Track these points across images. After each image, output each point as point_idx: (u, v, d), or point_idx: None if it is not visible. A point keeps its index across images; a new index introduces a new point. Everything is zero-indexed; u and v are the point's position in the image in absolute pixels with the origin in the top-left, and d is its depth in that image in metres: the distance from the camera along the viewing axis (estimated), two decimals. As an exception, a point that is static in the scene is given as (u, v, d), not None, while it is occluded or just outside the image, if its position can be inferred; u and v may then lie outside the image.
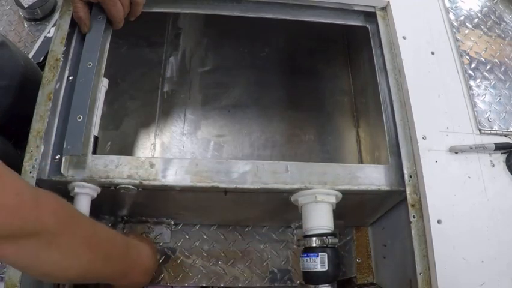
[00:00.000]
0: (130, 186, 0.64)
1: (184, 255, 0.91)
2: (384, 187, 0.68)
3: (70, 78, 0.69)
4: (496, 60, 0.81)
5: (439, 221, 0.64)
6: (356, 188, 0.67)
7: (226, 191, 0.67)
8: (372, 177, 0.68)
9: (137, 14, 0.74)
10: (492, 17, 0.87)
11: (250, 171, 0.66)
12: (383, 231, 0.88)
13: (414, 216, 0.66)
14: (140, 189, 0.65)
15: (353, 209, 0.79)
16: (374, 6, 0.83)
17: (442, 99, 0.74)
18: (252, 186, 0.65)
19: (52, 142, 0.64)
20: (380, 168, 0.70)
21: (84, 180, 0.62)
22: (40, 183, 0.62)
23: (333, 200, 0.67)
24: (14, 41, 1.17)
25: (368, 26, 0.84)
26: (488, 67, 0.79)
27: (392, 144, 0.72)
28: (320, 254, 0.64)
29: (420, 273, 0.63)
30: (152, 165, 0.65)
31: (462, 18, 0.85)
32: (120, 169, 0.64)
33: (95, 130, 0.66)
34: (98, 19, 0.71)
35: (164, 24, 1.14)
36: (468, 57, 0.79)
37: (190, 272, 0.90)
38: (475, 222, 0.65)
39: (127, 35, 1.06)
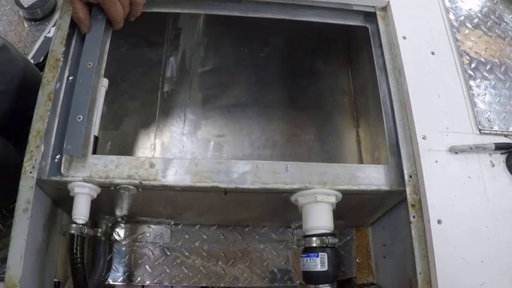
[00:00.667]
0: (130, 186, 0.64)
1: (184, 255, 0.91)
2: (384, 187, 0.68)
3: (70, 78, 0.69)
4: (496, 60, 0.81)
5: (439, 221, 0.64)
6: (356, 188, 0.67)
7: (226, 191, 0.67)
8: (372, 177, 0.68)
9: (137, 14, 0.74)
10: (492, 17, 0.87)
11: (250, 171, 0.66)
12: (383, 231, 0.88)
13: (414, 216, 0.66)
14: (140, 189, 0.65)
15: (353, 209, 0.79)
16: (374, 6, 0.83)
17: (442, 99, 0.74)
18: (252, 186, 0.65)
19: (52, 142, 0.64)
20: (380, 168, 0.70)
21: (84, 180, 0.62)
22: (40, 183, 0.62)
23: (333, 200, 0.67)
24: (14, 41, 1.17)
25: (368, 26, 0.84)
26: (488, 67, 0.79)
27: (392, 144, 0.72)
28: (320, 254, 0.64)
29: (420, 273, 0.63)
30: (152, 165, 0.65)
31: (462, 18, 0.85)
32: (120, 169, 0.64)
33: (95, 130, 0.66)
34: (98, 19, 0.71)
35: (164, 24, 1.14)
36: (468, 57, 0.79)
37: (190, 272, 0.90)
38: (475, 222, 0.65)
39: (127, 35, 1.06)
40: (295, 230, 0.95)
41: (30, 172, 0.61)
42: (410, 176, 0.68)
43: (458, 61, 0.78)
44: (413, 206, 0.67)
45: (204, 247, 0.92)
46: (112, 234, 0.88)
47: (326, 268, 0.63)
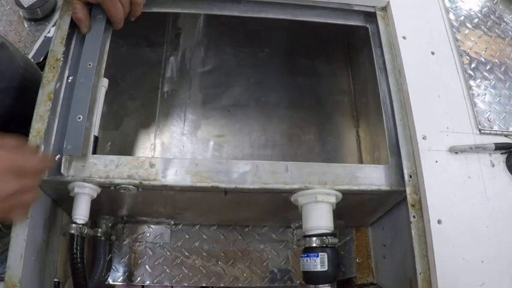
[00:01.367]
0: (130, 186, 0.64)
1: (184, 255, 0.91)
2: (384, 187, 0.68)
3: (70, 78, 0.69)
4: (496, 60, 0.81)
5: (439, 221, 0.64)
6: (356, 188, 0.67)
7: (226, 191, 0.67)
8: (372, 177, 0.68)
9: (137, 14, 0.74)
10: (492, 17, 0.87)
11: (250, 171, 0.66)
12: (383, 231, 0.88)
13: (414, 216, 0.66)
14: (140, 189, 0.65)
15: (353, 209, 0.79)
16: (374, 6, 0.83)
17: (442, 99, 0.74)
18: (252, 186, 0.65)
19: (52, 142, 0.64)
20: (380, 168, 0.70)
21: (84, 180, 0.62)
22: (40, 183, 0.62)
23: (333, 200, 0.67)
24: (14, 41, 1.17)
25: (368, 26, 0.84)
26: (488, 67, 0.79)
27: (392, 144, 0.72)
28: (320, 254, 0.64)
29: (420, 273, 0.63)
30: (152, 165, 0.65)
31: (462, 18, 0.84)
32: (120, 169, 0.64)
33: (95, 130, 0.66)
34: (98, 19, 0.71)
35: (164, 24, 1.14)
36: (468, 57, 0.79)
37: (190, 272, 0.90)
38: (475, 222, 0.65)
39: (127, 35, 1.06)
40: (295, 230, 0.95)
41: (30, 172, 0.61)
42: (410, 176, 0.68)
43: (458, 61, 0.78)
44: (413, 206, 0.67)
45: (204, 247, 0.92)
46: (112, 234, 0.88)
47: (326, 268, 0.63)
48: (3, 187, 0.52)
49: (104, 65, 0.71)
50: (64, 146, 0.62)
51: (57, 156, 0.63)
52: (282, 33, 1.14)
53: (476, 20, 0.85)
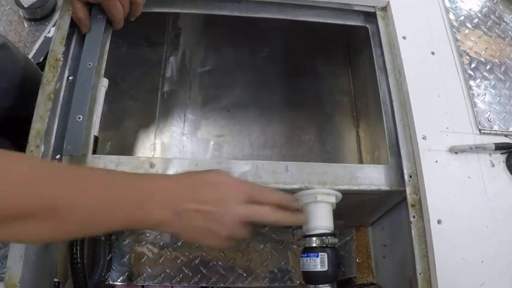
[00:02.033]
0: (130, 186, 0.64)
1: (184, 255, 0.91)
2: (384, 187, 0.68)
3: (70, 78, 0.69)
4: (496, 60, 0.81)
5: (439, 221, 0.64)
6: (356, 188, 0.67)
7: (226, 191, 0.66)
8: (372, 177, 0.68)
9: (137, 14, 0.74)
10: (492, 17, 0.87)
11: (250, 171, 0.66)
12: (383, 231, 0.88)
13: (414, 216, 0.66)
14: (140, 189, 0.65)
15: (353, 209, 0.79)
16: (374, 6, 0.83)
17: (442, 99, 0.74)
18: (252, 186, 0.65)
19: (52, 142, 0.64)
20: (380, 168, 0.70)
21: (84, 180, 0.62)
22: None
23: (333, 200, 0.67)
24: (14, 41, 1.17)
25: (368, 26, 0.84)
26: (488, 67, 0.79)
27: (392, 144, 0.72)
28: (320, 254, 0.64)
29: (420, 273, 0.63)
30: (152, 165, 0.65)
31: (462, 18, 0.85)
32: (120, 169, 0.64)
33: (95, 130, 0.66)
34: (98, 19, 0.71)
35: (164, 24, 1.14)
36: (468, 57, 0.79)
37: (190, 272, 0.90)
38: (475, 222, 0.65)
39: (127, 35, 1.06)
40: (295, 230, 0.95)
41: (30, 172, 0.61)
42: (410, 176, 0.68)
43: (458, 61, 0.78)
44: (413, 206, 0.67)
45: (204, 247, 0.92)
46: (112, 234, 0.88)
47: (326, 268, 0.63)
48: (231, 211, 0.52)
49: (104, 65, 0.71)
50: (64, 146, 0.62)
51: (57, 156, 0.63)
52: (282, 33, 1.14)
53: (476, 20, 0.85)
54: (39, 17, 1.21)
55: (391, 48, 0.79)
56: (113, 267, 0.89)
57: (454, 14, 0.84)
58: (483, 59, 0.80)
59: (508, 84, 0.79)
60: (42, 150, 0.63)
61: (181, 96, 1.08)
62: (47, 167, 0.48)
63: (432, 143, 0.69)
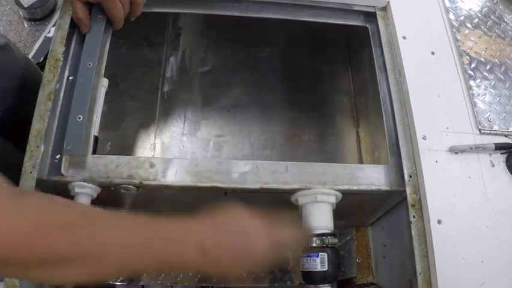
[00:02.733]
0: (130, 186, 0.64)
1: (184, 255, 0.91)
2: (384, 187, 0.68)
3: (70, 78, 0.69)
4: (496, 60, 0.81)
5: (439, 221, 0.64)
6: (356, 188, 0.67)
7: (226, 191, 0.67)
8: (372, 177, 0.68)
9: (137, 14, 0.74)
10: (492, 17, 0.87)
11: (250, 171, 0.66)
12: (383, 231, 0.88)
13: (414, 216, 0.66)
14: (140, 189, 0.65)
15: (353, 209, 0.78)
16: (374, 6, 0.83)
17: (442, 99, 0.74)
18: (252, 186, 0.65)
19: (52, 142, 0.64)
20: (380, 168, 0.70)
21: (84, 180, 0.62)
22: (40, 183, 0.62)
23: (333, 200, 0.67)
24: (14, 41, 1.17)
25: (368, 26, 0.84)
26: (488, 67, 0.79)
27: (392, 144, 0.72)
28: (320, 254, 0.64)
29: (420, 273, 0.63)
30: (152, 165, 0.65)
31: (462, 18, 0.85)
32: (120, 169, 0.64)
33: (95, 130, 0.66)
34: (98, 19, 0.71)
35: (164, 24, 1.14)
36: (468, 57, 0.79)
37: (190, 272, 0.90)
38: (475, 222, 0.65)
39: (127, 35, 1.06)
40: (295, 230, 0.94)
41: (31, 172, 0.61)
42: (410, 176, 0.68)
43: (458, 61, 0.78)
44: (413, 206, 0.67)
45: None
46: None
47: (326, 268, 0.63)
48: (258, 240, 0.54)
49: (104, 65, 0.71)
50: (64, 146, 0.62)
51: (57, 156, 0.63)
52: (282, 33, 1.14)
53: (476, 20, 0.85)
54: (39, 17, 1.21)
55: (391, 48, 0.79)
56: (113, 267, 0.89)
57: (454, 14, 0.84)
58: (483, 59, 0.80)
59: (508, 84, 0.79)
60: (42, 150, 0.63)
61: (181, 96, 1.08)
62: (94, 213, 0.49)
63: (432, 143, 0.69)
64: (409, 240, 0.66)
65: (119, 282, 0.88)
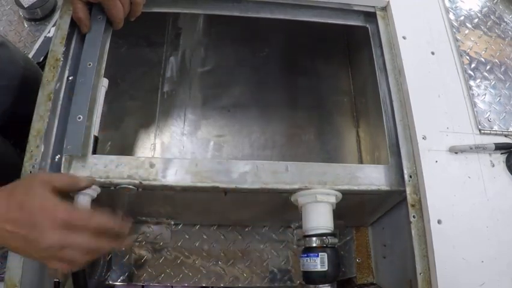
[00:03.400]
0: (130, 186, 0.64)
1: (184, 255, 0.91)
2: (384, 187, 0.68)
3: (70, 78, 0.69)
4: (496, 60, 0.81)
5: (439, 221, 0.64)
6: (356, 188, 0.67)
7: (226, 191, 0.67)
8: (372, 177, 0.68)
9: (137, 14, 0.74)
10: (492, 17, 0.87)
11: (250, 171, 0.66)
12: (383, 231, 0.88)
13: (414, 216, 0.66)
14: (140, 189, 0.65)
15: (353, 209, 0.79)
16: (374, 6, 0.83)
17: (442, 99, 0.74)
18: (252, 186, 0.65)
19: (52, 142, 0.64)
20: (380, 168, 0.70)
21: (84, 180, 0.62)
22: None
23: (333, 200, 0.67)
24: (14, 41, 1.17)
25: (368, 26, 0.84)
26: (488, 67, 0.79)
27: (392, 144, 0.72)
28: (320, 254, 0.64)
29: (420, 273, 0.63)
30: (152, 165, 0.65)
31: (462, 18, 0.85)
32: (120, 169, 0.64)
33: (95, 130, 0.66)
34: (98, 19, 0.71)
35: (164, 24, 1.14)
36: (468, 57, 0.79)
37: (190, 272, 0.90)
38: (475, 222, 0.65)
39: (127, 35, 1.06)
40: (295, 230, 0.95)
41: (31, 172, 0.61)
42: (410, 176, 0.68)
43: (458, 61, 0.78)
44: (413, 206, 0.67)
45: (204, 247, 0.92)
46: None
47: (326, 268, 0.63)
48: (43, 236, 0.50)
49: (104, 65, 0.71)
50: (64, 146, 0.62)
51: (57, 156, 0.63)
52: (282, 33, 1.14)
53: (476, 20, 0.85)
54: (39, 17, 1.21)
55: (391, 48, 0.79)
56: (113, 267, 0.89)
57: (454, 14, 0.84)
58: (483, 59, 0.80)
59: (508, 84, 0.79)
60: (42, 150, 0.63)
61: (181, 96, 1.08)
62: None
63: (432, 143, 0.69)
64: (409, 240, 0.66)
65: (119, 282, 0.88)
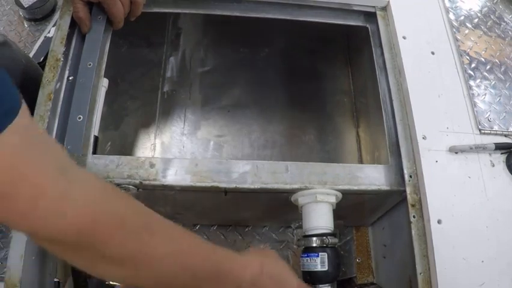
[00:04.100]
0: (130, 186, 0.64)
1: (184, 255, 0.91)
2: (384, 187, 0.68)
3: (70, 78, 0.69)
4: (496, 60, 0.81)
5: (439, 221, 0.64)
6: (356, 188, 0.67)
7: (226, 191, 0.67)
8: (372, 177, 0.68)
9: (137, 13, 0.74)
10: (492, 17, 0.87)
11: (250, 171, 0.66)
12: (383, 231, 0.88)
13: (414, 216, 0.66)
14: (140, 189, 0.65)
15: (353, 209, 0.79)
16: (374, 6, 0.83)
17: (442, 99, 0.74)
18: (252, 186, 0.65)
19: (52, 142, 0.64)
20: (380, 168, 0.70)
21: (84, 180, 0.62)
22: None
23: (333, 200, 0.67)
24: (14, 41, 1.17)
25: (368, 26, 0.84)
26: (488, 67, 0.79)
27: (392, 144, 0.72)
28: (320, 254, 0.64)
29: (420, 273, 0.63)
30: (152, 165, 0.65)
31: (462, 18, 0.85)
32: (120, 169, 0.64)
33: (95, 130, 0.66)
34: (98, 19, 0.71)
35: (164, 24, 1.14)
36: (468, 57, 0.79)
37: None
38: (475, 222, 0.65)
39: (127, 35, 1.06)
40: (295, 230, 0.94)
41: (30, 172, 0.61)
42: (410, 176, 0.68)
43: (458, 61, 0.78)
44: (413, 206, 0.67)
45: None
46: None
47: (326, 268, 0.63)
48: None
49: (104, 65, 0.71)
50: (64, 146, 0.62)
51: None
52: (282, 33, 1.14)
53: (476, 20, 0.85)
54: (39, 17, 1.21)
55: (391, 48, 0.79)
56: (113, 267, 0.89)
57: (454, 14, 0.84)
58: (483, 59, 0.80)
59: (508, 84, 0.79)
60: (42, 150, 0.63)
61: (181, 96, 1.08)
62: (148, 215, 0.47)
63: (432, 143, 0.69)
64: (409, 240, 0.66)
65: (119, 282, 0.88)
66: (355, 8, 0.84)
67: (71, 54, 0.71)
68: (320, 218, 0.66)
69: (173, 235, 0.47)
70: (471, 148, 0.69)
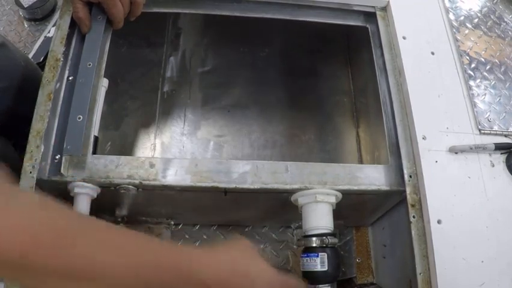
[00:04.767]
0: (130, 187, 0.64)
1: (184, 255, 0.91)
2: (384, 187, 0.68)
3: (70, 78, 0.69)
4: (496, 60, 0.81)
5: (439, 221, 0.64)
6: (356, 188, 0.67)
7: (226, 191, 0.67)
8: (372, 177, 0.68)
9: (137, 13, 0.74)
10: (492, 17, 0.87)
11: (250, 171, 0.66)
12: (383, 231, 0.88)
13: (414, 216, 0.66)
14: (140, 190, 0.65)
15: (353, 209, 0.79)
16: (374, 6, 0.83)
17: (442, 99, 0.74)
18: (252, 186, 0.65)
19: (52, 142, 0.64)
20: (380, 168, 0.70)
21: (84, 180, 0.62)
22: (40, 183, 0.62)
23: (333, 200, 0.67)
24: (14, 41, 1.17)
25: (368, 26, 0.84)
26: (488, 67, 0.79)
27: (392, 144, 0.72)
28: (320, 254, 0.64)
29: (420, 273, 0.63)
30: (152, 165, 0.65)
31: (462, 18, 0.85)
32: (120, 169, 0.64)
33: (95, 130, 0.66)
34: (98, 19, 0.71)
35: (164, 24, 1.13)
36: (468, 57, 0.79)
37: None
38: (475, 222, 0.65)
39: (127, 35, 1.06)
40: (295, 230, 0.95)
41: (30, 172, 0.61)
42: (410, 176, 0.68)
43: (458, 61, 0.78)
44: (413, 206, 0.67)
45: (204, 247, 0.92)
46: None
47: (326, 268, 0.63)
48: None
49: (104, 65, 0.71)
50: (64, 146, 0.62)
51: (57, 156, 0.63)
52: (282, 33, 1.14)
53: (476, 20, 0.85)
54: (39, 17, 1.21)
55: (391, 49, 0.79)
56: (113, 267, 0.89)
57: (454, 14, 0.84)
58: (483, 59, 0.80)
59: (508, 84, 0.79)
60: (42, 150, 0.63)
61: (181, 96, 1.08)
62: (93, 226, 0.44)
63: (432, 143, 0.69)
64: (409, 240, 0.66)
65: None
66: (355, 8, 0.84)
67: (71, 54, 0.71)
68: (319, 218, 0.66)
69: (120, 242, 0.45)
70: (471, 148, 0.69)
